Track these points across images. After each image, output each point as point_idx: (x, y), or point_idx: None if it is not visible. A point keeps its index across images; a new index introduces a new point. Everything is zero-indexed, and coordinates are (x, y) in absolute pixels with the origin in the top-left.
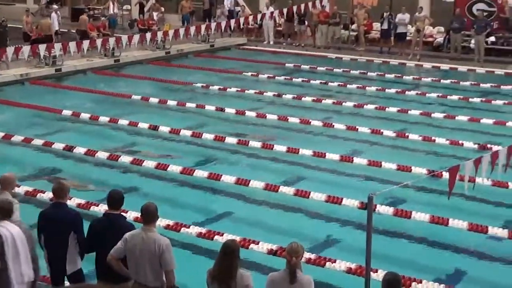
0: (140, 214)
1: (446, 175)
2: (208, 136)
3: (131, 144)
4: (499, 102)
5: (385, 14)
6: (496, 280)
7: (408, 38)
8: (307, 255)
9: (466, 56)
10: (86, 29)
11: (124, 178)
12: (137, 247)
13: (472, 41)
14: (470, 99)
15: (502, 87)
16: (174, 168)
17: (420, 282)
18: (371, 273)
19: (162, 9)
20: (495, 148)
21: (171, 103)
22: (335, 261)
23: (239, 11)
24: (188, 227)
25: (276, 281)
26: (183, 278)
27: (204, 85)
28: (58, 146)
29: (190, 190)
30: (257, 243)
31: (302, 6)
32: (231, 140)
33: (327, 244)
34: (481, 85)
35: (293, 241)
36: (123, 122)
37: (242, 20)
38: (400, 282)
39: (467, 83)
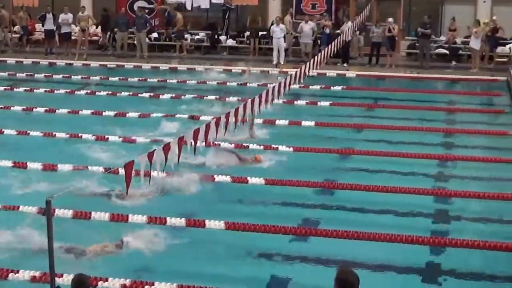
0: None
1: (122, 171)
2: None
3: None
4: (167, 96)
5: (47, 15)
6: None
7: (73, 37)
8: None
9: (132, 53)
10: None
11: None
12: None
13: None
14: (139, 95)
15: (168, 81)
16: None
17: (107, 280)
18: (56, 278)
19: None
20: (166, 140)
21: None
22: (18, 272)
23: None
24: None
25: None
26: None
27: None
28: None
29: None
30: None
31: None
32: None
33: (5, 253)
34: (148, 80)
35: None
36: None
37: None
38: (85, 282)
39: (135, 79)
